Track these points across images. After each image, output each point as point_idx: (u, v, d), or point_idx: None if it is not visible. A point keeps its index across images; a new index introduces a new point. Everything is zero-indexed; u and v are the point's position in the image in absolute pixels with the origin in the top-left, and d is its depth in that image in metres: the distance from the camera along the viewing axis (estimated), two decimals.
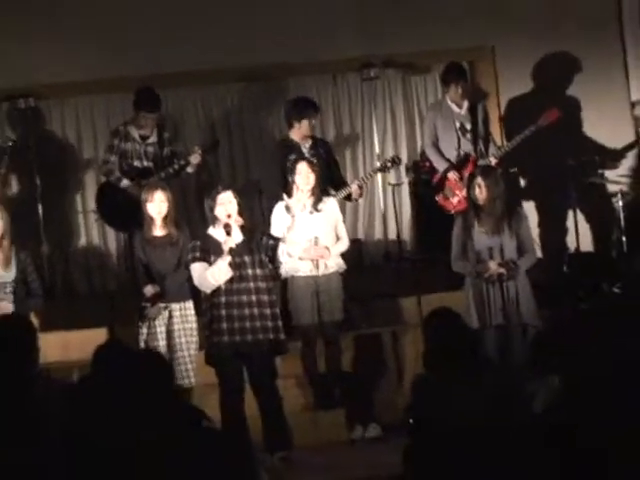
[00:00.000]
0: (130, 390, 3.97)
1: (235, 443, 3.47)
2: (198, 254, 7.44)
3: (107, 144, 9.33)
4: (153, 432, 3.52)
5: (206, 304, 7.49)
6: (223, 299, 7.37)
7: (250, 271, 7.40)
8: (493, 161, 9.17)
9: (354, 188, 8.90)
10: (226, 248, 7.33)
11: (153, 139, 9.20)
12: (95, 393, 3.91)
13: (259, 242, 7.48)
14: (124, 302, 8.47)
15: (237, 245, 7.37)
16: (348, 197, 9.02)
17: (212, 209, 7.50)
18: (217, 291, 7.37)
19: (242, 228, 7.48)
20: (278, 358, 7.66)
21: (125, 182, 9.04)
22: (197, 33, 9.97)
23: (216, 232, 7.45)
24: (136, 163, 9.15)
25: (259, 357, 7.42)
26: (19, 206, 9.82)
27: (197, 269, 7.44)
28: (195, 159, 9.09)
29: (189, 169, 9.15)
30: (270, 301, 7.44)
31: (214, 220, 7.49)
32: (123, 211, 8.99)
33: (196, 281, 7.50)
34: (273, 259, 7.53)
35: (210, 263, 7.37)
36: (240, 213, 7.51)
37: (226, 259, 7.31)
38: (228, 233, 7.37)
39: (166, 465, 3.27)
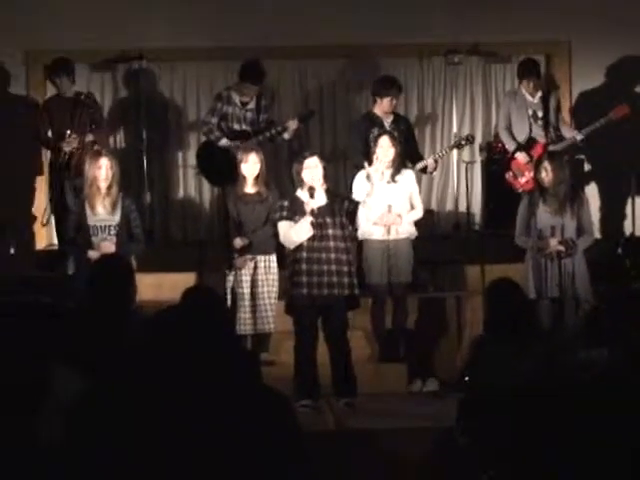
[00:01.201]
0: (205, 327, 3.99)
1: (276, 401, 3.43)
2: (285, 213, 7.45)
3: (210, 106, 9.34)
4: (214, 367, 3.51)
5: (289, 259, 7.50)
6: (305, 255, 7.36)
7: (331, 231, 7.39)
8: (561, 146, 9.07)
9: (430, 162, 8.98)
10: (308, 209, 7.32)
11: (252, 105, 9.18)
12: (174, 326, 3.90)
13: (341, 205, 7.47)
14: (214, 251, 8.51)
15: (320, 207, 7.36)
16: (424, 170, 9.06)
17: (299, 172, 7.49)
18: (299, 247, 7.38)
19: (327, 192, 7.47)
20: (350, 312, 7.64)
21: (224, 141, 9.05)
22: (300, 11, 9.92)
23: (302, 194, 7.44)
24: (235, 126, 9.15)
25: (334, 310, 7.43)
26: (127, 157, 9.94)
27: (283, 227, 7.45)
28: (293, 125, 9.08)
29: (286, 135, 9.13)
30: (347, 260, 7.43)
31: (301, 182, 7.48)
32: (219, 168, 8.99)
33: (281, 238, 7.52)
34: (352, 222, 7.55)
35: (295, 222, 7.37)
36: (325, 177, 7.50)
37: (307, 219, 7.31)
38: (312, 195, 7.36)
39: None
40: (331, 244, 7.39)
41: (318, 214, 7.35)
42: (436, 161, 9.04)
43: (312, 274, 7.35)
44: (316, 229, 7.33)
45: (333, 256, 7.38)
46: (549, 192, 8.00)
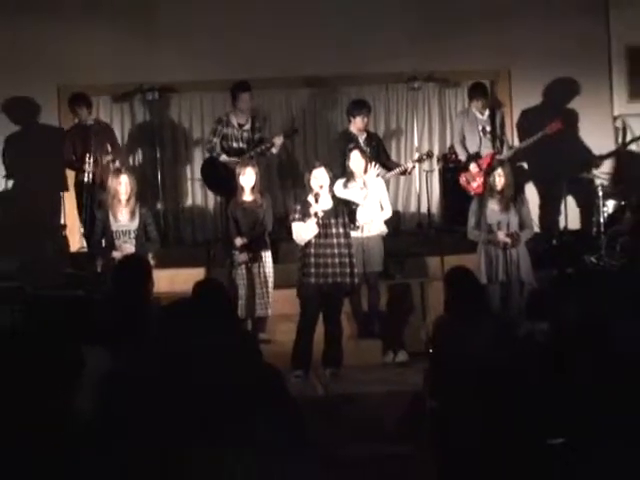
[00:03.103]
0: (213, 313, 4.00)
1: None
2: (297, 215, 7.42)
3: (212, 128, 9.30)
4: (220, 342, 3.51)
5: (301, 253, 7.45)
6: (312, 250, 7.34)
7: (334, 230, 7.37)
8: (506, 156, 9.08)
9: (409, 166, 9.03)
10: (312, 212, 7.30)
11: (247, 127, 9.12)
12: (188, 312, 3.90)
13: (343, 208, 7.44)
14: (218, 249, 8.50)
15: (325, 210, 7.33)
16: (403, 173, 9.10)
17: (308, 181, 7.47)
18: (308, 244, 7.35)
19: (333, 198, 7.46)
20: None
21: (224, 157, 9.02)
22: (283, 49, 9.88)
23: (310, 198, 7.42)
24: (234, 144, 9.09)
25: (334, 296, 7.41)
26: (144, 172, 9.92)
27: (294, 227, 7.43)
28: (279, 140, 9.04)
29: (273, 150, 9.08)
30: (349, 253, 7.40)
31: (310, 189, 7.45)
32: (220, 180, 9.00)
33: (294, 235, 7.48)
34: (352, 221, 7.54)
35: (305, 222, 7.35)
36: (330, 185, 7.48)
37: (313, 220, 7.28)
38: (316, 200, 7.34)
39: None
40: (334, 241, 7.37)
41: (324, 216, 7.32)
42: (413, 167, 9.11)
43: (319, 266, 7.33)
44: (321, 229, 7.31)
45: (336, 251, 7.36)
46: (498, 193, 8.02)
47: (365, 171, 8.01)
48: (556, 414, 3.68)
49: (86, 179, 8.96)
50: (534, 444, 3.50)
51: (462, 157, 9.28)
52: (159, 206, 9.96)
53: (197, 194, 10.19)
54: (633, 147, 10.30)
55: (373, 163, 8.14)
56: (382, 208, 8.23)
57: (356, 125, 8.93)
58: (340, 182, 8.07)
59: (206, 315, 3.83)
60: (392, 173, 9.03)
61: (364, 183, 8.01)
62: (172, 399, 2.99)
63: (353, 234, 7.91)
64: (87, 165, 8.90)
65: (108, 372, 3.36)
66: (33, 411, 3.15)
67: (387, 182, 8.80)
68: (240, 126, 9.10)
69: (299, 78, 10.08)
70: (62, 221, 9.89)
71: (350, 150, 8.27)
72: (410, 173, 9.29)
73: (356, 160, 8.09)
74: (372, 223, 8.10)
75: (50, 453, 3.08)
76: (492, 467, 3.74)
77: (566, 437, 3.51)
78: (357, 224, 7.71)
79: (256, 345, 4.77)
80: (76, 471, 3.04)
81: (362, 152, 8.23)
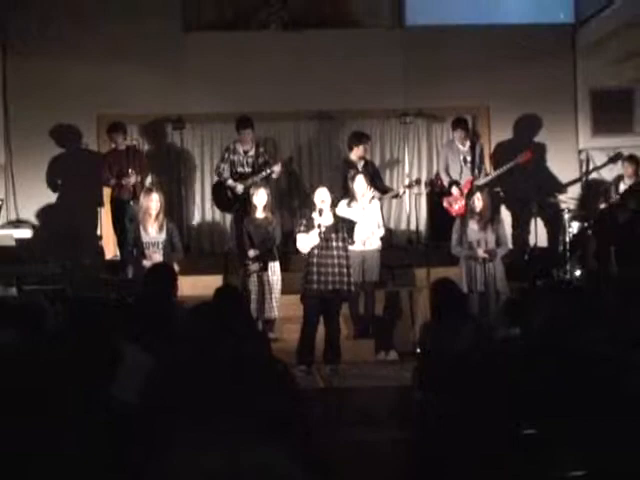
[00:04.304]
0: (232, 314, 4.03)
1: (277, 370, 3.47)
2: (302, 228, 7.48)
3: (221, 155, 9.33)
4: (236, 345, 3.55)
5: (304, 263, 7.49)
6: (315, 260, 7.39)
7: (334, 244, 7.41)
8: (483, 182, 9.12)
9: (401, 191, 9.10)
10: (315, 224, 7.34)
11: (252, 152, 9.12)
12: (210, 315, 3.94)
13: (343, 224, 7.47)
14: (234, 259, 8.54)
15: (327, 225, 7.36)
16: (396, 196, 9.18)
17: (312, 197, 7.50)
18: (311, 254, 7.39)
19: (334, 215, 7.49)
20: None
21: (230, 182, 9.04)
22: (293, 87, 9.91)
23: (315, 214, 7.44)
24: (240, 169, 9.10)
25: (334, 301, 7.44)
26: (169, 191, 9.93)
27: (299, 237, 7.48)
28: (277, 168, 9.00)
29: (274, 175, 9.04)
30: (347, 264, 7.43)
31: (314, 205, 7.49)
32: (227, 201, 9.05)
33: (298, 244, 7.51)
34: (350, 237, 7.54)
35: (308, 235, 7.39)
36: (332, 203, 7.51)
37: (315, 232, 7.32)
38: (320, 214, 7.37)
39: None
40: (334, 253, 7.40)
41: (325, 231, 7.35)
42: (404, 192, 9.17)
43: (320, 274, 7.37)
44: (323, 241, 7.34)
45: (336, 261, 7.39)
46: (477, 215, 8.06)
47: (365, 195, 8.08)
48: (528, 406, 3.71)
49: (120, 196, 9.02)
50: (510, 433, 3.53)
51: (446, 183, 9.31)
52: (183, 220, 9.99)
53: (215, 211, 10.21)
54: (594, 176, 10.34)
55: (371, 188, 8.21)
56: (378, 226, 8.29)
57: (358, 153, 8.97)
58: (344, 202, 8.14)
59: (227, 316, 3.88)
60: (386, 197, 9.07)
61: (365, 204, 8.09)
62: (201, 389, 3.03)
63: (354, 248, 7.98)
64: (121, 184, 8.94)
65: (150, 370, 3.39)
66: (78, 396, 3.19)
67: (381, 204, 8.85)
68: (245, 152, 9.12)
69: (307, 112, 10.12)
70: (98, 232, 9.93)
71: (355, 174, 8.32)
72: (401, 197, 9.33)
73: (360, 183, 8.15)
74: (370, 239, 8.15)
75: (92, 434, 3.13)
76: (471, 452, 3.77)
77: (537, 427, 3.54)
78: (354, 240, 7.73)
79: (268, 343, 4.82)
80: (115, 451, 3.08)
81: (365, 176, 8.29)
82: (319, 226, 7.33)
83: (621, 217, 8.53)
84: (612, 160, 10.15)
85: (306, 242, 7.39)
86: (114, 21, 9.83)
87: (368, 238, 8.12)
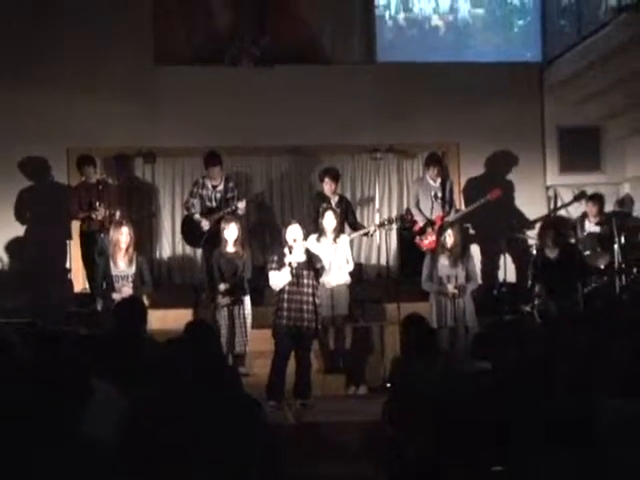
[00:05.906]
0: (202, 349, 4.03)
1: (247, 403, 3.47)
2: (273, 265, 7.46)
3: (190, 190, 9.31)
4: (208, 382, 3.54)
5: (276, 298, 7.49)
6: (286, 296, 7.39)
7: (305, 280, 7.41)
8: (453, 218, 9.18)
9: (372, 229, 8.97)
10: (286, 262, 7.34)
11: (221, 187, 9.10)
12: (182, 350, 3.94)
13: (313, 262, 7.45)
14: (204, 293, 8.51)
15: (299, 262, 7.36)
16: (366, 234, 9.11)
17: (284, 235, 7.51)
18: (282, 290, 7.38)
19: (305, 251, 7.49)
20: None
21: (197, 216, 9.01)
22: (265, 122, 9.96)
23: (286, 250, 7.45)
24: (208, 204, 9.07)
25: (304, 336, 7.43)
26: (140, 225, 9.87)
27: (271, 275, 7.45)
28: (242, 204, 8.97)
29: (239, 212, 8.96)
30: (314, 302, 7.44)
31: (285, 242, 7.50)
32: (197, 234, 9.04)
33: (270, 282, 7.49)
34: (319, 275, 7.55)
35: (280, 272, 7.38)
36: (304, 240, 7.51)
37: (287, 269, 7.32)
38: (290, 252, 7.38)
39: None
40: (305, 289, 7.39)
41: (297, 267, 7.36)
42: (375, 230, 9.01)
43: (291, 310, 7.37)
44: (294, 278, 7.33)
45: (306, 298, 7.39)
46: (447, 250, 8.10)
47: (335, 230, 8.12)
48: (496, 442, 3.74)
49: (90, 229, 8.98)
50: (479, 469, 3.55)
51: (418, 218, 9.30)
52: (154, 254, 9.95)
53: (185, 245, 10.18)
54: (562, 212, 10.46)
55: (341, 224, 8.24)
56: (347, 261, 8.32)
57: (327, 187, 9.02)
58: (313, 237, 8.16)
59: (198, 350, 3.88)
60: (356, 234, 9.08)
61: (334, 239, 8.12)
62: (175, 426, 3.02)
63: (322, 282, 7.98)
64: (91, 217, 8.92)
65: (125, 408, 3.37)
66: (46, 431, 3.16)
67: (351, 240, 8.89)
68: (214, 187, 9.10)
69: (278, 147, 10.16)
70: (68, 265, 9.87)
71: (325, 210, 8.36)
72: (372, 235, 9.34)
73: (329, 219, 8.20)
74: (339, 273, 8.17)
75: (60, 465, 3.10)
76: None
77: (505, 465, 3.56)
78: (320, 280, 7.69)
79: (238, 378, 4.80)
80: None
81: (334, 212, 8.34)
82: (290, 264, 7.34)
83: (551, 254, 8.64)
84: (577, 199, 10.29)
85: (278, 279, 7.40)
86: (86, 54, 9.86)
87: (337, 272, 8.14)
